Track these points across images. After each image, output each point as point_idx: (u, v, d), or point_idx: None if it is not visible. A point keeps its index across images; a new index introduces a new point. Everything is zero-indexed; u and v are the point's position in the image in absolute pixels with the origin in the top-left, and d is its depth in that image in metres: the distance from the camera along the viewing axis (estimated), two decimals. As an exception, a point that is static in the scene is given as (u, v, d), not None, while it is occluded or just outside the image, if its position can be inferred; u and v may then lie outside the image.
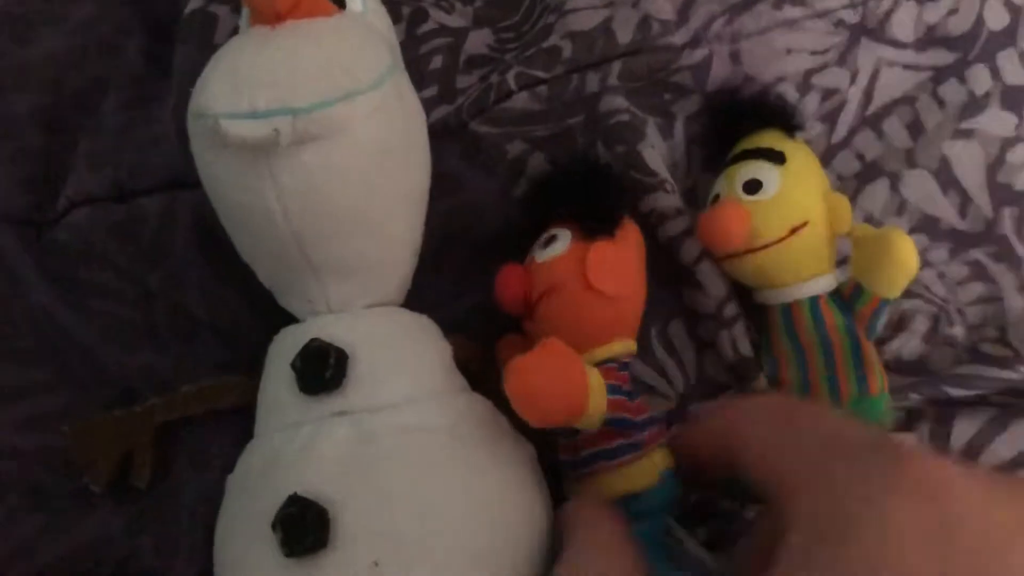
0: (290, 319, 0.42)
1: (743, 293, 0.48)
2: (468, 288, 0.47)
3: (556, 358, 0.35)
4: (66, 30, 0.56)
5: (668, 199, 0.47)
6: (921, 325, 0.49)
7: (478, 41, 0.54)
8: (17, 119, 0.54)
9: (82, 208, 0.50)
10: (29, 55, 0.55)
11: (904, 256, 0.42)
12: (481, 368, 0.45)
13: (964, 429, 0.46)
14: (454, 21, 0.55)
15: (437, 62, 0.53)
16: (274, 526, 0.34)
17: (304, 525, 0.33)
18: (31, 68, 0.55)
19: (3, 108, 0.54)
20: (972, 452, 0.46)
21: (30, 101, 0.54)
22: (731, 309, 0.47)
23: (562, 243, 0.42)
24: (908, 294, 0.49)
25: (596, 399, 0.36)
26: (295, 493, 0.34)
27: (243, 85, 0.34)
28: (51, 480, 0.46)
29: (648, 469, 0.40)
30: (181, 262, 0.49)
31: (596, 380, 0.37)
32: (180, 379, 0.46)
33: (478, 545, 0.35)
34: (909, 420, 0.47)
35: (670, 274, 0.47)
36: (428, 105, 0.50)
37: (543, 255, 0.43)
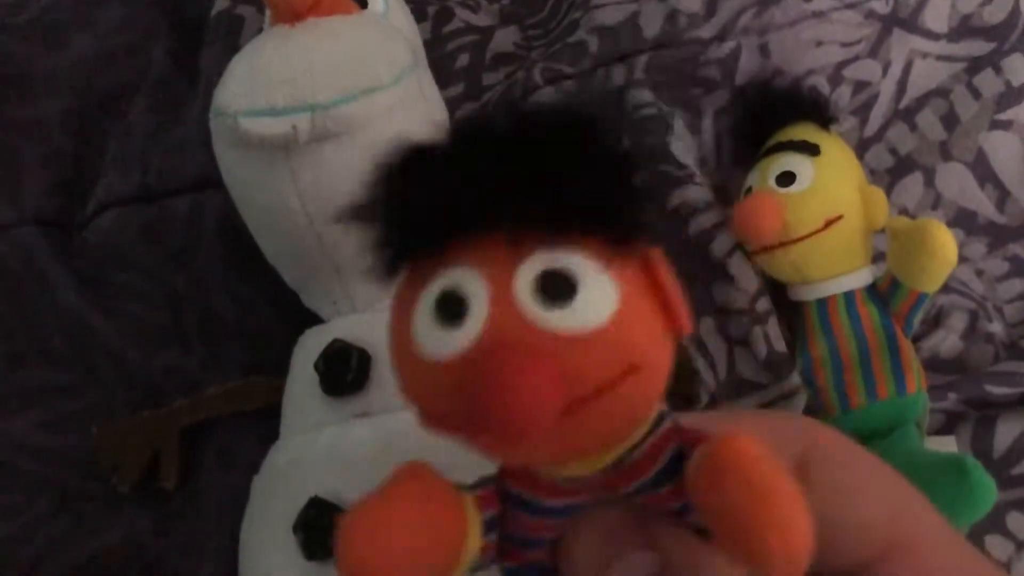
0: (316, 320, 0.42)
1: (776, 290, 0.47)
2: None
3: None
4: (95, 34, 0.57)
5: (698, 191, 0.46)
6: (959, 322, 0.48)
7: (504, 39, 0.54)
8: (47, 123, 0.54)
9: (111, 210, 0.51)
10: (59, 60, 0.56)
11: (942, 247, 0.41)
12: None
13: (1007, 431, 0.45)
14: (480, 20, 0.55)
15: (463, 60, 0.53)
16: (295, 529, 0.34)
17: (325, 529, 0.33)
18: (61, 73, 0.56)
19: (34, 112, 0.54)
20: (1015, 455, 0.45)
21: (60, 105, 0.54)
22: (764, 304, 0.46)
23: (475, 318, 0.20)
24: (945, 289, 0.47)
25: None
26: (316, 496, 0.34)
27: (261, 83, 0.34)
28: (79, 481, 0.47)
29: None
30: (208, 264, 0.49)
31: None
32: (207, 380, 0.47)
33: None
34: (949, 422, 0.46)
35: (699, 270, 0.46)
36: (454, 103, 0.50)
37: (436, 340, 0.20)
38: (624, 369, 0.19)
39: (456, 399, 0.18)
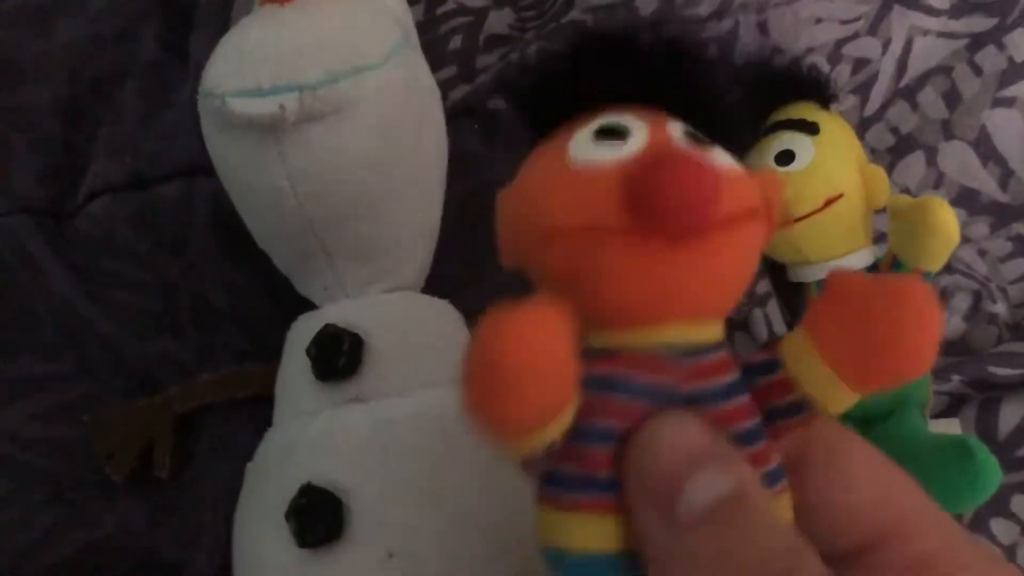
0: (310, 307, 0.41)
1: (776, 272, 0.46)
2: (488, 272, 0.46)
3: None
4: (84, 19, 0.56)
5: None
6: (961, 303, 0.47)
7: (498, 20, 0.53)
8: (37, 110, 0.53)
9: (102, 197, 0.50)
10: (48, 45, 0.55)
11: (944, 225, 0.40)
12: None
13: (1011, 414, 0.44)
14: (473, 1, 0.54)
15: (456, 42, 0.52)
16: (287, 516, 0.33)
17: (318, 516, 0.33)
18: (50, 58, 0.55)
19: (23, 99, 0.54)
20: (1020, 437, 0.44)
21: (49, 91, 0.54)
22: (764, 286, 0.45)
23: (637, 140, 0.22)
24: (947, 270, 0.47)
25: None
26: (309, 483, 0.34)
27: (248, 62, 0.34)
28: (72, 471, 0.46)
29: None
30: (200, 251, 0.48)
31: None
32: (201, 368, 0.46)
33: (495, 537, 0.34)
34: (952, 405, 0.46)
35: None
36: (447, 85, 0.50)
37: (593, 152, 0.22)
38: (753, 207, 0.22)
39: (617, 194, 0.20)
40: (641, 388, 0.21)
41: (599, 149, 0.21)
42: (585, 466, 0.21)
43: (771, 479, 0.22)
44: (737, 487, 0.19)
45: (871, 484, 0.22)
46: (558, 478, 0.22)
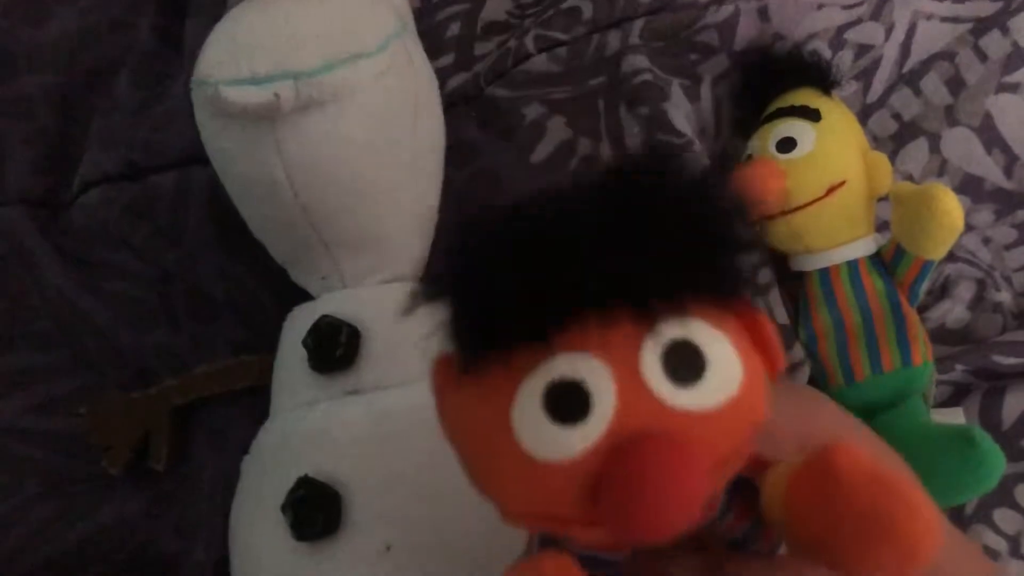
0: (307, 297, 0.41)
1: (778, 261, 0.46)
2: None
3: None
4: (78, 9, 0.55)
5: (695, 161, 0.45)
6: (965, 291, 0.47)
7: (496, 7, 0.53)
8: (31, 100, 0.53)
9: (96, 188, 0.50)
10: (42, 35, 0.55)
11: (948, 212, 0.39)
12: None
13: (1016, 403, 0.44)
14: (471, -12, 0.54)
15: (454, 29, 0.52)
16: (284, 509, 0.33)
17: (314, 508, 0.32)
18: (44, 48, 0.54)
19: (17, 89, 0.53)
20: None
21: (43, 82, 0.53)
22: (765, 275, 0.45)
23: (601, 413, 0.19)
24: (951, 258, 0.46)
25: None
26: (305, 475, 0.33)
27: (243, 50, 0.33)
28: (68, 464, 0.46)
29: None
30: (196, 241, 0.48)
31: None
32: (197, 359, 0.46)
33: (491, 530, 0.33)
34: (956, 394, 0.45)
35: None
36: (445, 73, 0.49)
37: (550, 443, 0.19)
38: (722, 457, 0.19)
39: (584, 499, 0.18)
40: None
41: (554, 437, 0.18)
42: None
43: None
44: None
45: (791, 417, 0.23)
46: None
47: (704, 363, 0.18)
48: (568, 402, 0.17)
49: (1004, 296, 0.47)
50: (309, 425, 0.36)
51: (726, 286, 0.19)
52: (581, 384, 0.17)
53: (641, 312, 0.17)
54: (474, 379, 0.19)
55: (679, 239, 0.17)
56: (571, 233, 0.17)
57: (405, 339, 0.38)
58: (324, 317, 0.37)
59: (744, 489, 0.21)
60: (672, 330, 0.18)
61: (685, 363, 0.18)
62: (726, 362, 0.18)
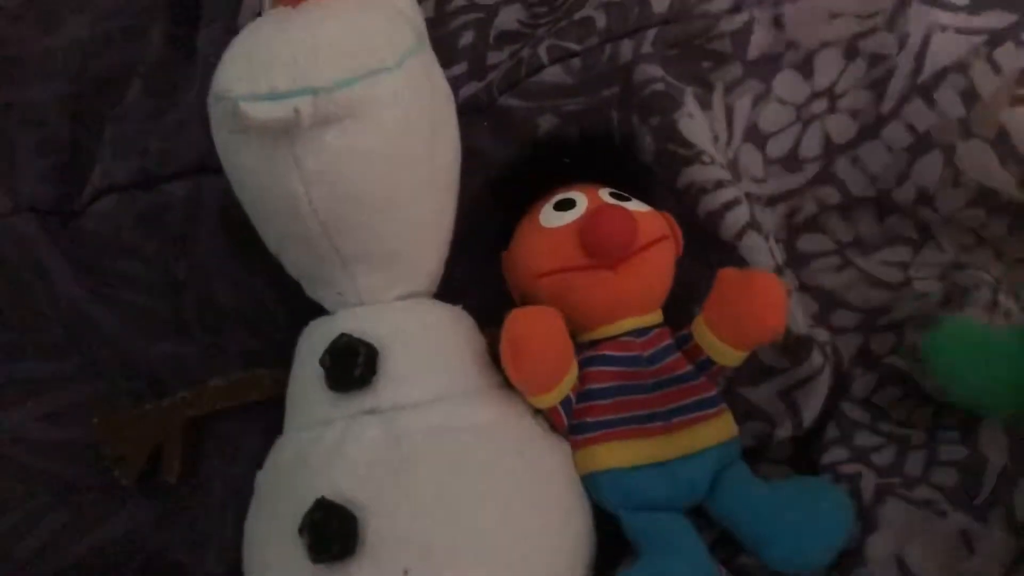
0: (319, 307, 0.41)
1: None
2: (500, 271, 0.46)
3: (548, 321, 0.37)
4: (91, 16, 0.55)
5: (706, 171, 0.45)
6: (978, 303, 0.47)
7: (509, 16, 0.52)
8: (42, 108, 0.53)
9: (108, 196, 0.50)
10: (53, 43, 0.55)
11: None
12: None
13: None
14: (484, -3, 0.54)
15: (467, 38, 0.51)
16: (301, 531, 0.33)
17: (332, 531, 0.32)
18: (56, 55, 0.54)
19: (28, 97, 0.53)
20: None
21: (55, 89, 0.53)
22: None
23: (580, 206, 0.41)
24: (961, 271, 0.46)
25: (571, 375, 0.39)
26: (323, 497, 0.33)
27: (262, 66, 0.33)
28: (80, 474, 0.46)
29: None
30: (208, 250, 0.48)
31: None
32: (208, 369, 0.46)
33: (511, 553, 0.33)
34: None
35: (710, 252, 0.45)
36: (458, 82, 0.49)
37: (556, 219, 0.41)
38: (662, 235, 0.40)
39: (575, 243, 0.38)
40: (619, 359, 0.40)
41: (559, 216, 0.40)
42: (594, 414, 0.39)
43: (710, 403, 0.40)
44: None
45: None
46: (579, 427, 0.39)
47: (631, 199, 0.41)
48: (565, 204, 0.41)
49: (1013, 307, 0.47)
50: (326, 445, 0.35)
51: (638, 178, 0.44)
52: (572, 198, 0.41)
53: (600, 183, 0.42)
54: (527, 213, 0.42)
55: (612, 155, 0.44)
56: (570, 151, 0.43)
57: (423, 358, 0.38)
58: (342, 336, 0.37)
59: (684, 344, 0.40)
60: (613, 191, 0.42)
61: (622, 199, 0.41)
62: (640, 204, 0.41)
